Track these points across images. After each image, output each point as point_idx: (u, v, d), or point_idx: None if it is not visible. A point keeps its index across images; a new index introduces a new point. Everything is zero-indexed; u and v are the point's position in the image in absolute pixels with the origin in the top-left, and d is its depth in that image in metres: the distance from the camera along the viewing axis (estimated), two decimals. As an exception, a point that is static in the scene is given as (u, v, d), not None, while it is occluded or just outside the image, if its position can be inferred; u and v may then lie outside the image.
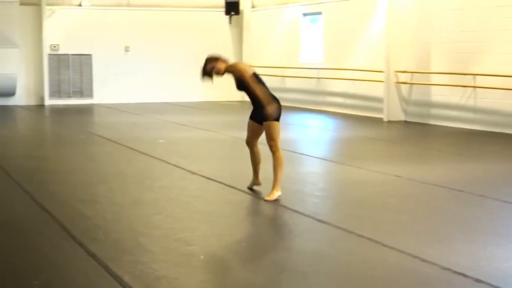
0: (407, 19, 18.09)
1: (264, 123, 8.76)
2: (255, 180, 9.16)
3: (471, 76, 16.36)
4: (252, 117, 8.95)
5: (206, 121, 18.36)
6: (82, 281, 5.69)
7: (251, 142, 9.04)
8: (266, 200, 8.57)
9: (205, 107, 22.75)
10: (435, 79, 17.58)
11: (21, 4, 23.01)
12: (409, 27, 18.08)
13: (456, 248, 6.55)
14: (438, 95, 17.45)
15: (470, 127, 16.34)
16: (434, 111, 17.61)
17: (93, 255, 6.29)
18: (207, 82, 9.06)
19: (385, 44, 18.34)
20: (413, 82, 18.11)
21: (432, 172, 10.74)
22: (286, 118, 19.33)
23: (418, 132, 16.37)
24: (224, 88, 25.33)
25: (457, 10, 16.81)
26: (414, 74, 18.08)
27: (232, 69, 8.76)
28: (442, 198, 9.07)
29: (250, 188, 9.16)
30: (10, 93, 23.24)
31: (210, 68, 8.73)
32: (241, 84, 8.74)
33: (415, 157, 12.68)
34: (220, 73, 8.75)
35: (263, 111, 8.68)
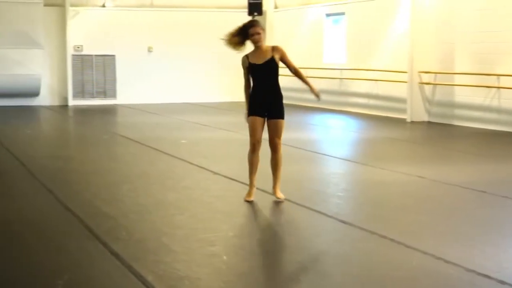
0: (431, 19, 18.01)
1: (276, 120, 8.34)
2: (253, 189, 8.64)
3: (495, 76, 16.25)
4: (257, 112, 8.35)
5: (228, 121, 18.38)
6: (105, 281, 5.72)
7: (260, 141, 8.47)
8: (280, 199, 8.49)
9: (227, 107, 22.77)
10: (458, 79, 17.48)
11: (46, 5, 23.17)
12: (433, 27, 18.00)
13: (479, 250, 6.51)
14: (462, 95, 17.36)
15: (493, 128, 16.24)
16: (457, 111, 17.52)
17: (116, 255, 6.32)
18: (231, 48, 8.47)
19: (409, 44, 18.26)
20: (436, 82, 18.03)
21: (455, 173, 10.68)
22: (309, 118, 19.33)
23: (441, 133, 16.28)
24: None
25: (481, 10, 16.71)
26: (438, 74, 17.99)
27: (278, 47, 8.29)
28: (465, 199, 9.02)
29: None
30: (35, 94, 23.41)
31: (254, 33, 8.22)
32: (272, 67, 8.25)
33: (438, 158, 12.62)
34: (258, 43, 8.23)
35: (278, 105, 8.33)
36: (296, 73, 8.59)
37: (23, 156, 12.38)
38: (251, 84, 8.48)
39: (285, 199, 8.62)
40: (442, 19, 17.80)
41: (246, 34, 8.30)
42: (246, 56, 8.43)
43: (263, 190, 9.14)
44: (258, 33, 8.28)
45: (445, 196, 9.16)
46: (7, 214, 8.12)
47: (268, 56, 8.34)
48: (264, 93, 8.39)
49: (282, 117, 8.41)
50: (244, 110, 8.53)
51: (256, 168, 8.55)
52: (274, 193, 8.60)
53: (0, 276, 5.88)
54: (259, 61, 8.34)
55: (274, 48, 8.38)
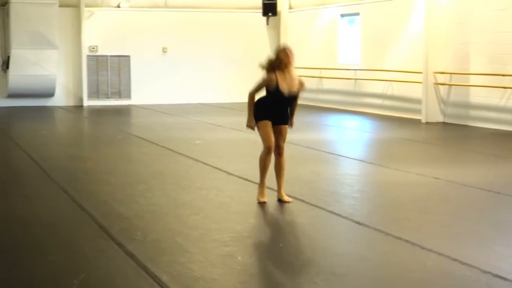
0: (446, 20, 17.95)
1: (283, 126, 8.58)
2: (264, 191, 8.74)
3: (511, 77, 16.17)
4: (270, 117, 8.51)
5: (242, 122, 18.25)
6: (120, 281, 5.73)
7: (273, 144, 8.56)
8: (289, 201, 8.58)
9: (242, 108, 22.71)
10: (474, 80, 17.40)
11: (61, 6, 23.25)
12: (448, 27, 17.93)
13: (496, 251, 6.48)
14: (477, 96, 17.28)
15: (509, 129, 16.15)
16: (473, 112, 17.45)
17: (131, 255, 6.33)
18: (263, 72, 8.56)
19: (424, 45, 18.21)
20: (451, 83, 17.96)
21: (471, 174, 10.64)
22: (323, 119, 19.31)
23: (456, 134, 16.22)
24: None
25: (496, 10, 16.63)
26: (453, 75, 17.93)
27: (303, 84, 8.62)
28: (481, 200, 8.98)
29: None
30: (50, 94, 23.51)
31: (288, 62, 8.37)
32: (294, 99, 8.56)
33: (453, 159, 12.58)
34: (290, 68, 8.40)
35: (290, 117, 8.67)
36: (293, 108, 8.76)
37: (39, 156, 12.44)
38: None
39: (301, 200, 8.62)
40: (458, 19, 17.73)
41: (279, 64, 8.44)
42: (275, 76, 8.45)
43: (277, 191, 9.13)
44: (291, 61, 8.45)
45: (461, 197, 9.13)
46: (23, 215, 8.16)
47: (294, 89, 8.52)
48: (276, 106, 8.56)
49: (287, 123, 8.69)
50: (246, 114, 8.57)
51: (268, 169, 8.67)
52: (281, 197, 8.68)
53: (17, 275, 5.91)
54: (286, 89, 8.43)
55: (301, 83, 8.60)
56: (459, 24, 17.69)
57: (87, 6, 23.91)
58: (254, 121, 8.55)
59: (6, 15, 22.94)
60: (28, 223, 7.79)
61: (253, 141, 14.44)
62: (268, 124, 8.51)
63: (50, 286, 5.67)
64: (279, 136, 8.58)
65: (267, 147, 8.51)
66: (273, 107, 8.52)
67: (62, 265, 6.17)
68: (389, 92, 20.31)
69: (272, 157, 8.64)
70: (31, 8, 22.53)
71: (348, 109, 21.66)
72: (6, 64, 22.86)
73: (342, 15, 22.72)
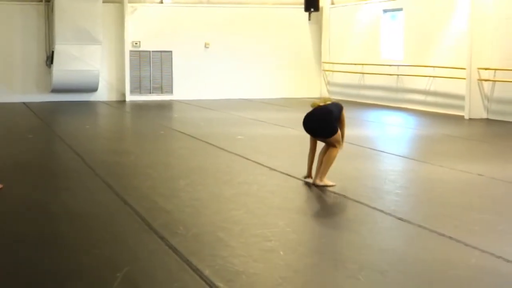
0: (491, 15, 17.72)
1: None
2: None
3: (557, 73, 15.95)
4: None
5: (284, 117, 18.37)
6: (163, 274, 5.77)
7: None
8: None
9: (284, 103, 22.76)
10: (519, 76, 17.18)
11: (104, 1, 23.44)
12: (493, 23, 17.71)
13: (541, 249, 6.40)
14: (522, 92, 17.07)
15: (555, 126, 15.94)
16: (517, 109, 17.23)
17: (174, 249, 6.37)
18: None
19: (468, 40, 18.01)
20: (496, 79, 17.75)
21: (515, 171, 10.53)
22: (365, 115, 19.22)
23: (500, 130, 16.03)
24: (303, 84, 25.39)
25: (542, 5, 16.40)
26: (497, 71, 17.71)
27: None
28: (526, 198, 8.88)
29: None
30: (93, 89, 23.73)
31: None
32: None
33: (497, 156, 12.43)
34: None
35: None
36: None
37: (82, 150, 12.56)
38: None
39: (343, 195, 8.61)
40: (503, 15, 17.50)
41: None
42: None
43: (319, 187, 9.12)
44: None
45: (505, 194, 9.03)
46: (68, 208, 8.25)
47: None
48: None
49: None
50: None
51: None
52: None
53: (63, 268, 6.00)
54: None
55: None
56: (504, 19, 17.46)
57: (130, 2, 24.07)
58: None
59: (50, 11, 23.20)
60: (73, 216, 7.88)
61: (295, 137, 14.45)
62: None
63: (95, 278, 5.73)
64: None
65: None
66: None
67: (106, 258, 6.23)
68: (432, 88, 20.13)
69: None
70: (76, 4, 22.74)
71: (390, 105, 21.53)
72: (50, 59, 23.14)
73: (385, 11, 22.57)
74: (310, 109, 9.36)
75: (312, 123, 9.24)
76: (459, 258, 6.17)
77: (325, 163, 9.12)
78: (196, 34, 24.77)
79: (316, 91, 25.12)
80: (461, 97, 18.51)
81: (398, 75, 21.52)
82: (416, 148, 14.00)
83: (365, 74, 22.94)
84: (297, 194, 8.98)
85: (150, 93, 24.65)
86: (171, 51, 24.69)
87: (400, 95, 21.53)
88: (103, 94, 24.13)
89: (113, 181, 9.70)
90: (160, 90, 24.75)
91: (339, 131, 9.17)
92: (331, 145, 9.19)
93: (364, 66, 22.89)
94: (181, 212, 7.94)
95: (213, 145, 13.20)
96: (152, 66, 24.62)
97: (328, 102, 9.43)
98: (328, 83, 25.17)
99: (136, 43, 24.31)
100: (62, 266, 6.05)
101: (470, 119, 17.91)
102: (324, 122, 9.15)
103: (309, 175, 9.43)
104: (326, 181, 9.12)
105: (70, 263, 6.11)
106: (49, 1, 23.32)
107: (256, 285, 5.54)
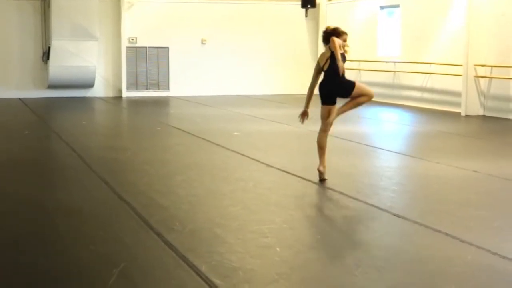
0: (488, 12, 17.74)
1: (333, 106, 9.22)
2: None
3: (553, 70, 15.96)
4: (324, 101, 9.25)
5: (281, 114, 18.37)
6: (159, 271, 5.78)
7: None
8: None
9: (281, 100, 22.76)
10: (515, 73, 17.20)
11: (101, -3, 23.43)
12: (490, 19, 17.72)
13: (537, 246, 6.42)
14: (518, 89, 17.09)
15: (551, 123, 15.96)
16: (513, 105, 17.26)
17: (170, 245, 6.38)
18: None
19: (464, 37, 18.02)
20: (492, 76, 17.76)
21: (511, 168, 10.53)
22: (362, 112, 19.22)
23: (496, 127, 16.05)
24: (300, 81, 25.37)
25: (539, 2, 16.41)
26: (494, 68, 17.73)
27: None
28: (522, 194, 8.89)
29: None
30: (89, 85, 23.70)
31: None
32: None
33: (493, 152, 12.45)
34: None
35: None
36: None
37: (79, 146, 12.55)
38: None
39: (339, 192, 8.62)
40: (500, 11, 17.51)
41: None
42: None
43: (316, 183, 9.14)
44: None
45: (502, 191, 9.04)
46: (65, 204, 8.25)
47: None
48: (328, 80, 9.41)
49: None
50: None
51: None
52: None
53: (61, 264, 6.00)
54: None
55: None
56: (501, 16, 17.47)
57: (126, -3, 24.07)
58: None
59: (47, 7, 23.16)
60: (69, 213, 7.87)
61: (292, 133, 14.46)
62: (322, 109, 9.41)
63: (92, 274, 5.74)
64: (329, 115, 9.33)
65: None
66: None
67: (103, 255, 6.23)
68: (429, 84, 20.15)
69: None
70: (72, 0, 22.71)
71: (387, 102, 21.53)
72: (47, 55, 23.10)
73: (382, 7, 22.57)
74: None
75: (335, 86, 9.22)
76: (455, 254, 6.18)
77: (350, 104, 9.28)
78: (193, 30, 24.75)
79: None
80: (458, 94, 18.52)
81: (394, 71, 21.54)
82: (412, 145, 14.02)
83: (361, 71, 22.95)
84: (294, 190, 8.98)
85: (146, 89, 24.63)
86: (167, 47, 24.67)
87: (396, 92, 21.54)
88: (100, 90, 24.11)
89: (110, 178, 9.69)
90: (157, 86, 24.74)
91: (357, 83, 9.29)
92: (357, 97, 9.27)
93: (361, 62, 22.89)
94: (177, 208, 7.95)
95: (210, 141, 13.20)
96: (149, 62, 24.60)
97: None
98: (325, 80, 25.10)
99: (132, 39, 24.28)
100: (58, 262, 6.06)
101: (466, 115, 17.93)
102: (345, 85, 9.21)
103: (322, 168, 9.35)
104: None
105: (67, 260, 6.11)
106: (45, -3, 23.30)
107: (252, 281, 5.55)
